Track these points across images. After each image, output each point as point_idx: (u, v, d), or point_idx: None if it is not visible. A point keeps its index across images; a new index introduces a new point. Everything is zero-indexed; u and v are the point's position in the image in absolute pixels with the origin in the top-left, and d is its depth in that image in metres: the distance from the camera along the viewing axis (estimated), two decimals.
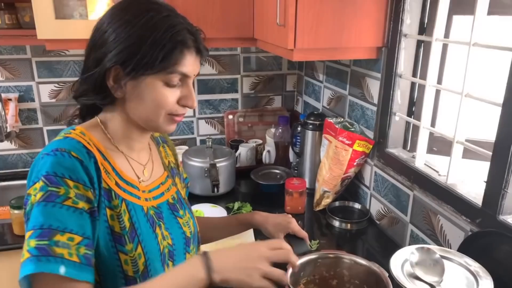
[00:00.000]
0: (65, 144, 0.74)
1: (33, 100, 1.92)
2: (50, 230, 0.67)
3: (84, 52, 0.82)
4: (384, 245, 1.45)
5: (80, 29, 1.55)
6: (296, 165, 1.93)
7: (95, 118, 0.85)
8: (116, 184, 0.80)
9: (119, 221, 0.78)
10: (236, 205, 1.67)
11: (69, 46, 1.69)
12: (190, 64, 0.80)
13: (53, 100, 1.95)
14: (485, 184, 1.08)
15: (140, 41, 0.75)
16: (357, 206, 1.64)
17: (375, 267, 0.98)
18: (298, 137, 1.89)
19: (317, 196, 1.66)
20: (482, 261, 0.99)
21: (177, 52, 0.77)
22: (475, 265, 0.99)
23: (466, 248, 1.07)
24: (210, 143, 1.85)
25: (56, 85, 1.93)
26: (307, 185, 1.71)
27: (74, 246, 0.69)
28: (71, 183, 0.71)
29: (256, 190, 1.87)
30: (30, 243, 0.67)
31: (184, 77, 0.80)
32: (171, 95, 0.80)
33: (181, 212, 0.93)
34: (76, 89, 0.84)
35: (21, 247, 0.69)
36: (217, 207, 1.62)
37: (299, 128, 1.85)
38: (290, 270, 0.97)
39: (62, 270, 0.66)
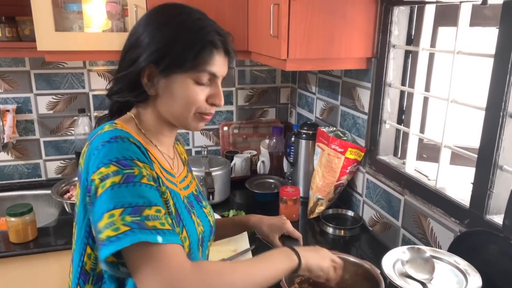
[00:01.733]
0: (121, 132, 0.78)
1: (30, 111, 1.95)
2: (138, 207, 0.70)
3: (121, 54, 0.87)
4: (377, 250, 1.47)
5: (79, 41, 1.59)
6: (290, 175, 1.96)
7: (128, 114, 0.89)
8: (160, 172, 0.85)
9: (167, 206, 0.81)
10: (231, 213, 1.69)
11: (68, 58, 1.74)
12: (219, 64, 0.84)
13: (51, 112, 1.98)
14: (472, 186, 1.12)
15: (173, 41, 0.81)
16: (350, 213, 1.67)
17: (367, 265, 1.01)
18: (292, 147, 1.93)
19: (311, 203, 1.69)
20: (471, 260, 1.02)
21: (207, 52, 0.82)
22: (464, 264, 1.02)
23: (455, 248, 1.10)
24: (205, 152, 1.88)
25: (54, 97, 1.96)
26: (301, 194, 1.74)
27: (163, 216, 0.73)
28: (140, 164, 0.75)
29: (250, 199, 1.89)
30: (126, 218, 0.69)
31: (213, 76, 0.85)
32: (201, 93, 0.84)
33: (204, 203, 0.99)
34: (110, 88, 0.89)
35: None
36: None
37: (293, 138, 1.89)
38: None
39: (159, 239, 0.69)
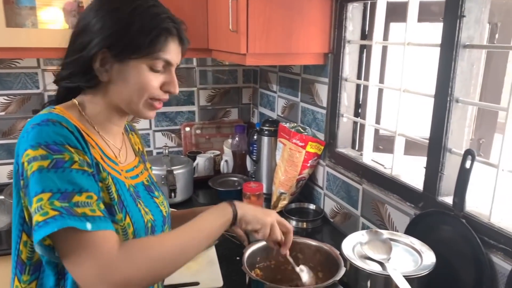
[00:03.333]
0: (54, 116, 0.76)
1: None
2: (67, 193, 0.69)
3: (70, 39, 0.85)
4: (338, 239, 1.48)
5: (32, 37, 1.54)
6: (254, 172, 1.97)
7: (71, 101, 0.86)
8: (101, 158, 0.82)
9: (108, 192, 0.79)
10: None
11: (21, 55, 1.68)
12: (173, 52, 0.85)
13: (3, 113, 1.89)
14: (424, 170, 1.17)
15: (127, 27, 0.79)
16: (312, 206, 1.70)
17: (327, 247, 1.03)
18: (254, 145, 1.94)
19: (274, 198, 1.71)
20: (426, 240, 1.07)
21: (162, 39, 0.82)
22: (418, 243, 1.07)
23: (411, 231, 1.14)
24: (167, 151, 1.86)
25: (6, 97, 1.88)
26: (265, 190, 1.75)
27: (94, 202, 0.72)
28: (71, 149, 0.73)
29: (214, 198, 1.88)
30: (55, 202, 0.68)
31: (167, 64, 0.85)
32: (155, 80, 0.84)
33: (156, 193, 0.97)
34: (59, 73, 0.86)
35: None
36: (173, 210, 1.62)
37: (255, 136, 1.91)
38: (246, 254, 1.00)
39: (89, 226, 0.69)
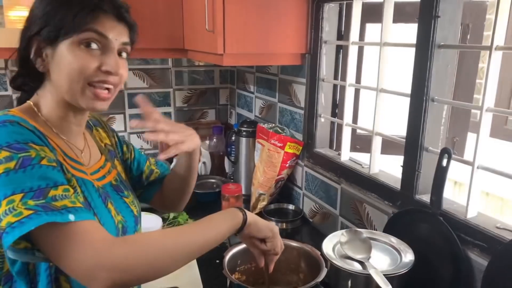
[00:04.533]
0: (10, 117, 0.72)
1: None
2: (41, 190, 0.66)
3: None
4: (317, 239, 1.49)
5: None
6: (232, 174, 1.96)
7: (27, 103, 0.82)
8: (64, 160, 0.78)
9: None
10: (172, 214, 1.64)
11: None
12: (108, 26, 0.77)
13: None
14: (402, 168, 1.19)
15: (53, 8, 0.75)
16: (291, 206, 1.70)
17: (308, 248, 1.02)
18: (232, 146, 1.92)
19: (253, 199, 1.70)
20: (405, 238, 1.08)
21: (90, 13, 0.75)
22: (397, 242, 1.08)
23: (390, 229, 1.15)
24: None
25: None
26: (243, 191, 1.74)
27: (72, 195, 0.69)
28: (36, 146, 0.70)
29: (192, 200, 1.83)
30: (29, 202, 0.64)
31: (103, 38, 0.77)
32: (89, 59, 0.76)
33: (126, 192, 0.93)
34: (13, 77, 0.82)
35: None
36: (152, 215, 1.58)
37: (233, 137, 1.89)
38: (226, 258, 0.99)
39: (71, 217, 0.65)
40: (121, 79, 0.81)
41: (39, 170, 0.67)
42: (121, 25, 0.80)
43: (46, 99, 0.81)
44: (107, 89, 0.79)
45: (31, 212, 0.63)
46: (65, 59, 0.75)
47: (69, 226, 0.65)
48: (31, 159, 0.68)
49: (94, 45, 0.76)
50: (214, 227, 0.78)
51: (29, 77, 0.80)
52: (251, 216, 0.85)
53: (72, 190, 0.70)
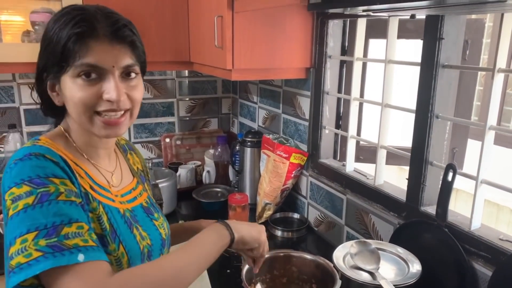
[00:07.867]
0: (37, 149, 0.74)
1: None
2: (55, 227, 0.67)
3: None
4: (323, 248, 1.55)
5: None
6: (236, 182, 1.99)
7: (58, 128, 0.85)
8: (91, 187, 0.81)
9: (99, 222, 0.78)
10: None
11: None
12: (100, 53, 0.74)
13: None
14: (407, 181, 1.24)
15: (49, 43, 0.76)
16: (296, 215, 1.74)
17: (321, 260, 1.07)
18: (237, 156, 1.96)
19: (259, 209, 1.74)
20: (411, 248, 1.13)
21: (76, 44, 0.73)
22: (404, 252, 1.12)
23: (396, 239, 1.20)
24: (150, 164, 1.85)
25: None
26: (249, 201, 1.77)
27: (86, 232, 0.69)
28: (57, 180, 0.71)
29: (198, 209, 1.89)
30: (40, 242, 0.65)
31: (95, 68, 0.75)
32: (87, 89, 0.75)
33: (155, 215, 0.95)
34: (41, 109, 0.87)
35: None
36: None
37: (237, 147, 1.93)
38: (246, 266, 1.02)
39: (80, 257, 0.66)
40: (133, 102, 0.80)
41: (55, 205, 0.69)
42: (118, 47, 0.76)
43: (73, 125, 0.84)
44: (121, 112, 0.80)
45: (40, 254, 0.64)
46: (69, 92, 0.77)
47: (74, 266, 0.66)
48: (49, 194, 0.69)
49: (93, 75, 0.75)
50: (206, 251, 0.80)
51: (51, 110, 0.85)
52: (237, 231, 0.86)
53: (86, 227, 0.71)
